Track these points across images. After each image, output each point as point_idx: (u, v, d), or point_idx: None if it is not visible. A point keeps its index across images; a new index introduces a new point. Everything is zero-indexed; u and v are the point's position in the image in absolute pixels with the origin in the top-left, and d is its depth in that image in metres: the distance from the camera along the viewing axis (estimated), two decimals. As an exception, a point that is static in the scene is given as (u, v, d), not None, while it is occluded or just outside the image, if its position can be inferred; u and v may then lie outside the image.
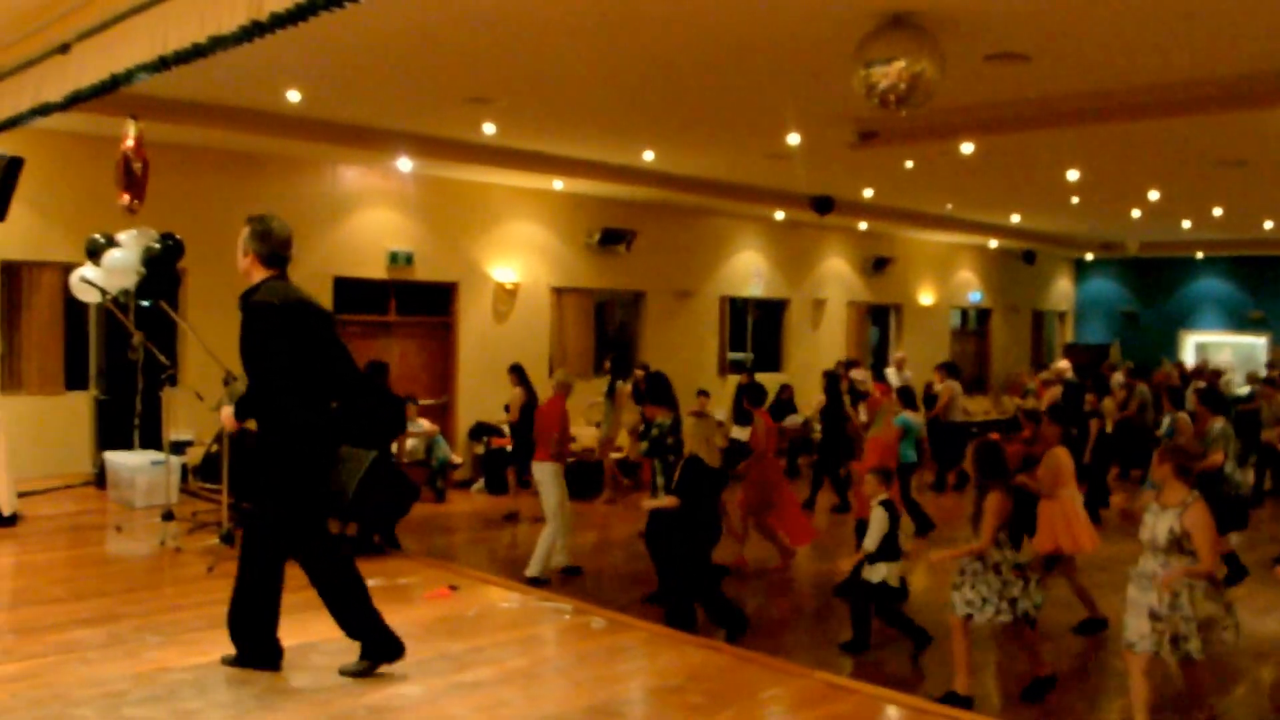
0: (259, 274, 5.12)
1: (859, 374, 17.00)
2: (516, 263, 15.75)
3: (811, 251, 20.68)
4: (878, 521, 7.73)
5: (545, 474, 9.89)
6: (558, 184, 15.27)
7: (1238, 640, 5.93)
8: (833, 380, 14.38)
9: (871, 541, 7.72)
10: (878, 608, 7.88)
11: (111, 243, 9.37)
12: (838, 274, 21.31)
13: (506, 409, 13.11)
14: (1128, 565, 6.12)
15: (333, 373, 5.15)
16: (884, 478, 8.10)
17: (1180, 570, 5.73)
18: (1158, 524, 5.87)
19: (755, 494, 10.49)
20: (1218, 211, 17.94)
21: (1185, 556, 5.75)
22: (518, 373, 12.92)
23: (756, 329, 20.20)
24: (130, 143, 9.39)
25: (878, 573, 7.72)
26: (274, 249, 5.14)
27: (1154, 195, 16.10)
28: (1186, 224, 20.00)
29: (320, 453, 5.15)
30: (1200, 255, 24.95)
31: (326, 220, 13.70)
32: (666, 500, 7.96)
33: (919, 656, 7.73)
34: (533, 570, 9.47)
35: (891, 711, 5.21)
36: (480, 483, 14.56)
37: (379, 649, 5.21)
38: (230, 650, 5.35)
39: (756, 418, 10.84)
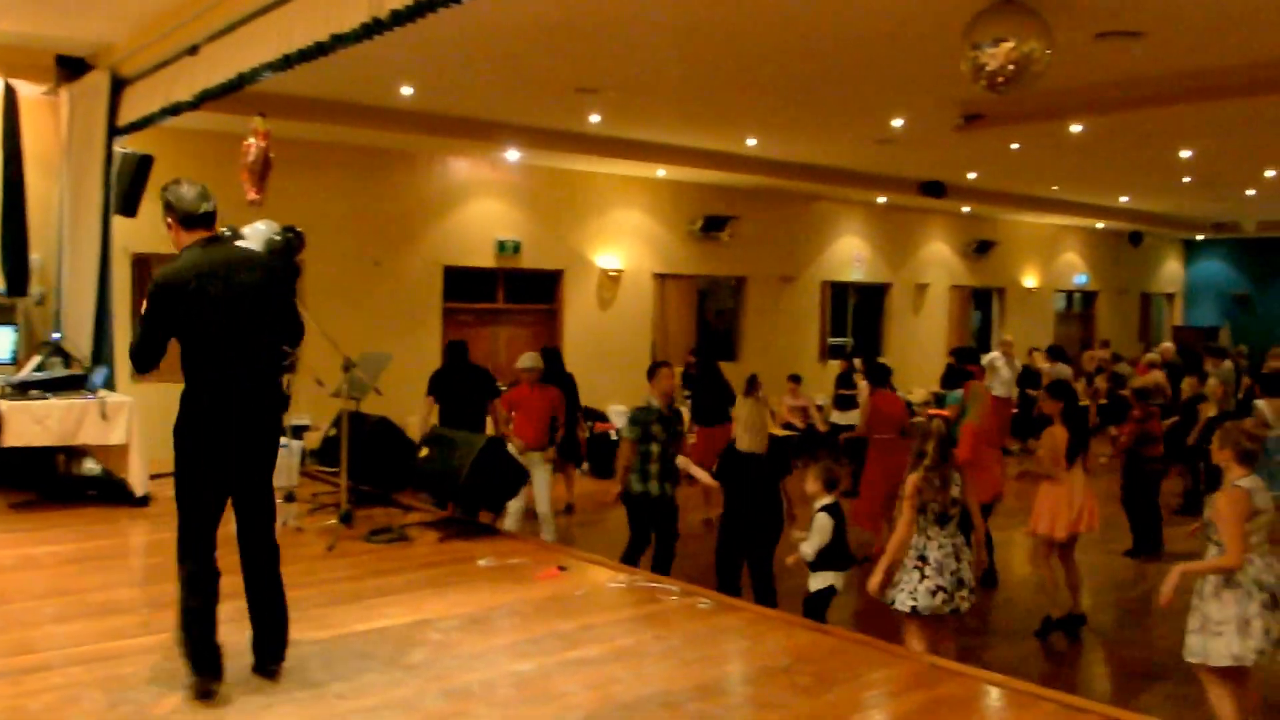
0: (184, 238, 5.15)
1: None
2: (620, 250, 15.92)
3: (913, 235, 20.50)
4: (818, 529, 6.91)
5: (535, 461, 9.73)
6: (661, 172, 15.40)
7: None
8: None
9: (810, 549, 6.92)
10: (808, 613, 6.94)
11: (236, 235, 9.64)
12: (940, 258, 21.08)
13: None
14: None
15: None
16: (829, 480, 7.04)
17: (1201, 565, 5.37)
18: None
19: (877, 478, 9.92)
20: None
21: (1212, 547, 5.38)
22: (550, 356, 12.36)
23: (857, 314, 20.11)
24: (257, 138, 9.68)
25: (821, 580, 6.98)
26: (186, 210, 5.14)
27: (1270, 173, 15.67)
28: (1306, 203, 19.39)
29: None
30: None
31: (437, 211, 14.05)
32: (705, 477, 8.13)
33: None
34: None
35: (999, 695, 5.22)
36: (585, 466, 14.75)
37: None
38: (355, 627, 5.55)
39: (869, 396, 10.45)
